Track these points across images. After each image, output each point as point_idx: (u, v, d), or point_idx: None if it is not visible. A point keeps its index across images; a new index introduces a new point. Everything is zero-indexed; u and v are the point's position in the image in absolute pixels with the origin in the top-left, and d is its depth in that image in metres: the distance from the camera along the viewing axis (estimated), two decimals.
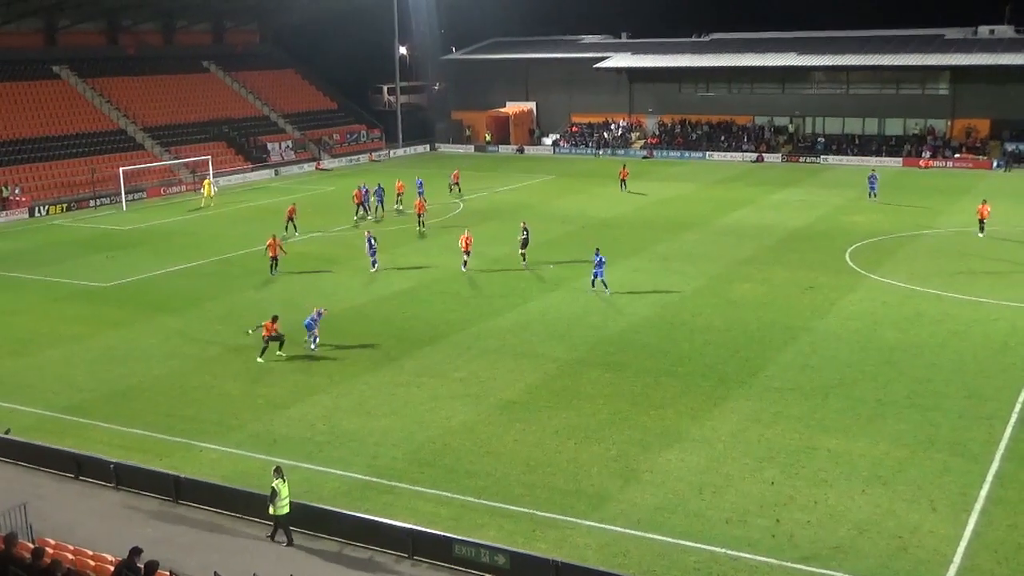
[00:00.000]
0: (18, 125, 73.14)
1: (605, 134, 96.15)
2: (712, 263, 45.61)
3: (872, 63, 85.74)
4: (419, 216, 55.34)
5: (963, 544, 20.26)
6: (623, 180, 67.65)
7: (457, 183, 67.89)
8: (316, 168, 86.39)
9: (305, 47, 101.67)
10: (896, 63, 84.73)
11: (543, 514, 22.02)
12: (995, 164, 78.03)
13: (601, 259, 40.11)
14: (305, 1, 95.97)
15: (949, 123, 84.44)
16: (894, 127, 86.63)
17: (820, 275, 42.73)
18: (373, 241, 45.41)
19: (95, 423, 28.01)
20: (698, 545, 20.48)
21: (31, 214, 64.48)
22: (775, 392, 29.06)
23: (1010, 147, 79.58)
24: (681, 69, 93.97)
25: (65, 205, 66.73)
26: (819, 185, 70.36)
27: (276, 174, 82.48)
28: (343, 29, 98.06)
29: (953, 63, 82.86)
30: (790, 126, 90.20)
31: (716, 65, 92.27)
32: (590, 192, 68.32)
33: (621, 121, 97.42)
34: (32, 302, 41.97)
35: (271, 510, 20.92)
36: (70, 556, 18.02)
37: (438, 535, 20.38)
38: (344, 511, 21.55)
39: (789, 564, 19.68)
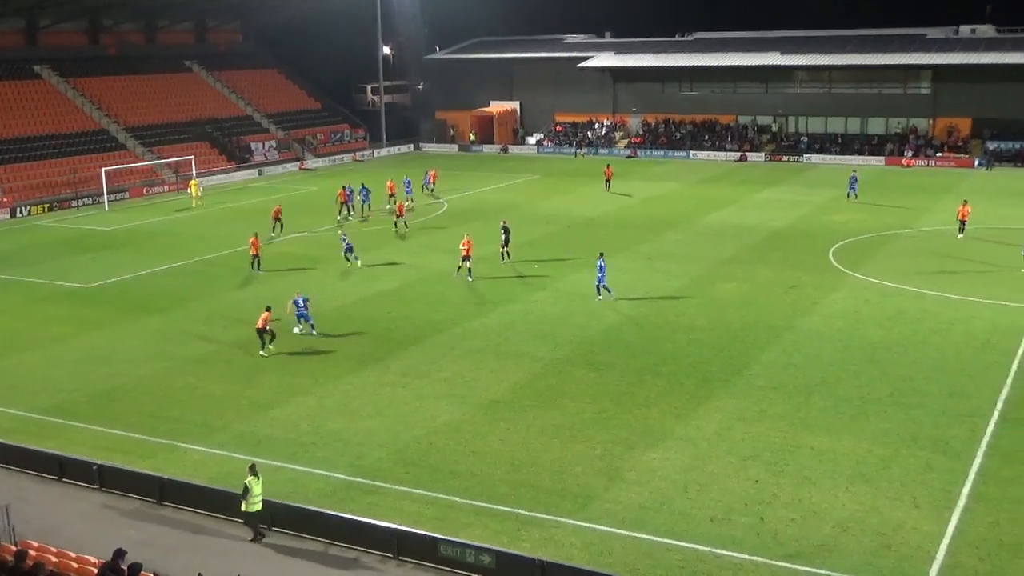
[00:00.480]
0: None
1: (589, 133, 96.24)
2: (696, 262, 45.72)
3: (854, 62, 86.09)
4: (398, 217, 55.21)
5: (946, 541, 20.39)
6: (607, 180, 67.66)
7: (432, 184, 67.54)
8: (300, 168, 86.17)
9: (288, 47, 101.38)
10: (878, 62, 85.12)
11: (528, 513, 22.04)
12: (977, 163, 78.48)
13: (602, 264, 39.10)
14: (288, 0, 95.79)
15: (931, 122, 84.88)
16: (876, 126, 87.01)
17: (803, 274, 42.89)
18: (346, 239, 46.16)
19: (78, 424, 27.88)
20: (683, 543, 20.54)
21: (12, 215, 64.07)
22: (759, 391, 29.16)
23: (991, 146, 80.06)
24: (665, 68, 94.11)
25: (47, 205, 66.34)
26: (802, 184, 70.64)
27: (260, 174, 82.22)
28: (326, 28, 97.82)
29: (935, 62, 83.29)
30: (773, 125, 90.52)
31: (699, 64, 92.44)
32: (574, 192, 68.39)
33: (605, 120, 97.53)
34: (13, 303, 41.72)
35: (243, 507, 21.00)
36: (53, 558, 17.94)
37: (423, 535, 20.38)
38: (329, 511, 21.52)
39: (773, 562, 19.75)
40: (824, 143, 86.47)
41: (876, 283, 41.14)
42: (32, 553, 17.36)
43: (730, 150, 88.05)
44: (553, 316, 37.41)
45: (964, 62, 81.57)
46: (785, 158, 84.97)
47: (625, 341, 34.21)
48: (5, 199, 65.27)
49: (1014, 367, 30.61)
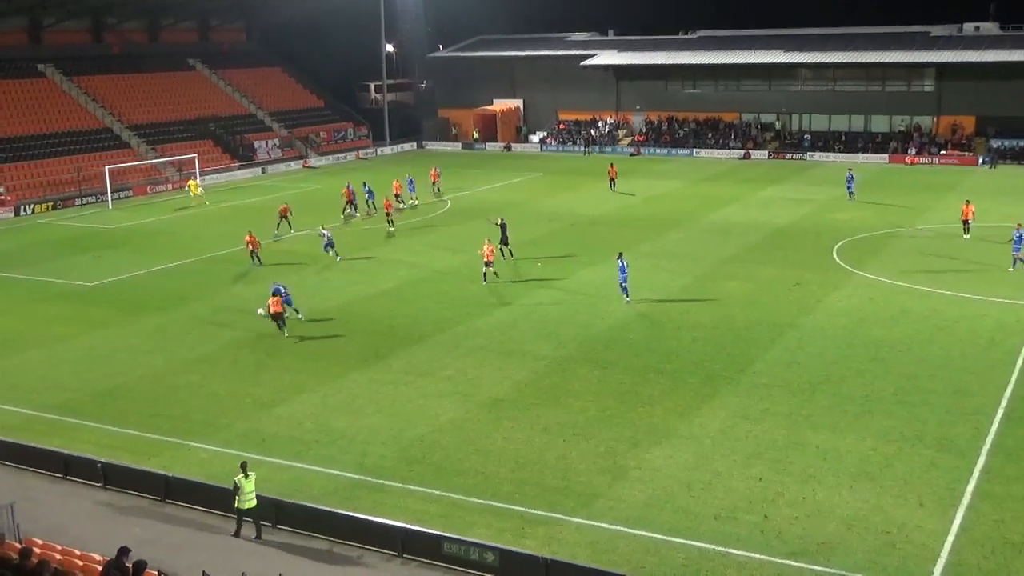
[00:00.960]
0: (3, 124, 72.76)
1: (592, 131, 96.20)
2: (699, 261, 45.69)
3: (858, 60, 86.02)
4: (387, 215, 55.12)
5: (950, 539, 20.36)
6: (612, 179, 67.44)
7: (436, 182, 67.52)
8: (303, 166, 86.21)
9: (291, 45, 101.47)
10: (882, 60, 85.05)
11: (532, 511, 22.04)
12: (981, 161, 78.35)
13: (623, 264, 38.48)
14: None
15: (935, 120, 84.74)
16: (880, 124, 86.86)
17: (807, 272, 42.85)
18: (326, 235, 46.36)
19: (82, 423, 27.92)
20: (687, 541, 20.54)
21: (16, 213, 64.16)
22: (762, 389, 29.14)
23: (995, 144, 79.92)
24: (668, 66, 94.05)
25: (51, 204, 66.42)
26: (806, 182, 70.55)
27: (263, 172, 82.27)
28: (330, 27, 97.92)
29: (939, 60, 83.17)
30: (777, 123, 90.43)
31: (703, 62, 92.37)
32: (578, 190, 68.35)
33: (608, 118, 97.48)
34: (17, 302, 41.78)
35: (236, 504, 21.10)
36: (58, 556, 17.96)
37: (427, 533, 20.40)
38: (333, 509, 21.54)
39: (777, 560, 19.75)
40: (828, 141, 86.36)
41: (880, 281, 41.09)
42: (37, 551, 17.37)
43: (733, 148, 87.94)
44: (556, 314, 37.40)
45: (968, 60, 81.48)
46: (788, 156, 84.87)
47: (629, 339, 34.19)
48: (9, 198, 65.36)
49: (1019, 365, 30.55)
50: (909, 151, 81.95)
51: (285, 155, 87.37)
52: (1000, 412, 26.95)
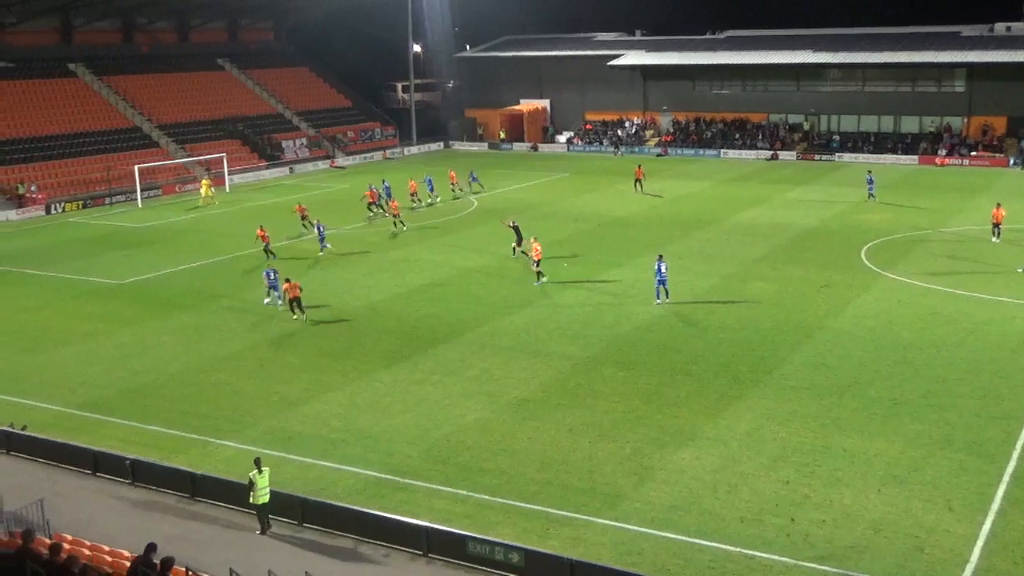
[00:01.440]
0: (35, 123, 73.53)
1: (619, 132, 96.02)
2: (726, 262, 45.51)
3: (888, 60, 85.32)
4: (394, 216, 55.26)
5: (979, 544, 20.17)
6: (638, 180, 67.14)
7: (455, 183, 67.77)
8: (331, 166, 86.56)
9: (319, 45, 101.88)
10: (912, 60, 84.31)
11: (557, 512, 22.03)
12: (1012, 162, 77.53)
13: (661, 266, 38.14)
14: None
15: (965, 121, 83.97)
16: (910, 125, 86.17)
17: (835, 274, 42.58)
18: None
19: (111, 420, 28.17)
20: (712, 544, 20.46)
21: (47, 211, 64.85)
22: (790, 391, 28.98)
23: None
24: (695, 67, 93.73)
25: (81, 202, 67.07)
26: (834, 183, 70.05)
27: (291, 172, 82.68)
28: (357, 27, 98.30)
29: (969, 60, 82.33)
30: (805, 124, 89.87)
31: (731, 63, 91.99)
32: (604, 190, 68.22)
33: (635, 119, 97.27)
34: (48, 299, 42.20)
35: (251, 499, 21.28)
36: (87, 552, 18.11)
37: (452, 533, 20.42)
38: (359, 508, 21.61)
39: (804, 563, 19.63)
40: (857, 142, 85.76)
41: (909, 283, 40.77)
42: (66, 546, 17.53)
43: (761, 149, 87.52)
44: (583, 315, 37.36)
45: (999, 60, 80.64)
46: (817, 157, 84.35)
47: (655, 340, 34.10)
48: (40, 196, 66.03)
49: None
50: (939, 152, 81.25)
51: (312, 155, 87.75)
52: None
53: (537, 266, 41.85)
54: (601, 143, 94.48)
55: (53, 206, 65.41)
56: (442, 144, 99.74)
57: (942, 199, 61.81)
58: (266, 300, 39.57)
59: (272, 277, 39.21)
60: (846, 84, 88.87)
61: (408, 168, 77.06)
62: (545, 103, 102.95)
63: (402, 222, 55.11)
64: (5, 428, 26.06)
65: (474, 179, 68.78)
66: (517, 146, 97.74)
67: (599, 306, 38.63)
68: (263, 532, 21.33)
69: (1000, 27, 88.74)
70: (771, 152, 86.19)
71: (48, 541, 17.98)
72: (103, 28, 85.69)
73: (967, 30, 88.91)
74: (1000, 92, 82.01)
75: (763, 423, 26.64)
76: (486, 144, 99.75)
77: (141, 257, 49.95)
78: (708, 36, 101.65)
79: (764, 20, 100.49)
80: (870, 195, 60.85)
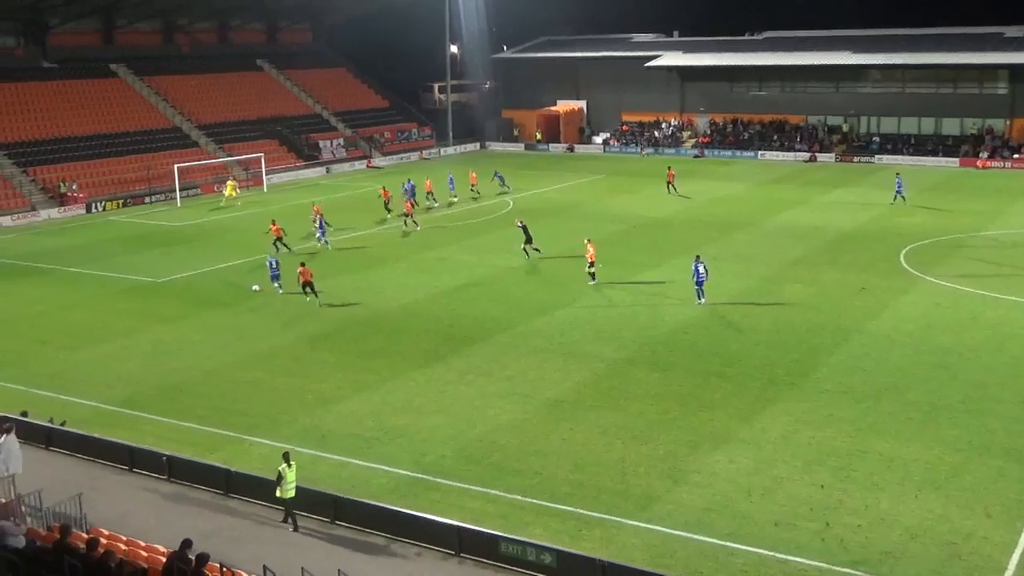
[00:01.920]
0: (77, 122, 74.49)
1: (656, 133, 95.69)
2: (762, 264, 45.21)
3: (929, 61, 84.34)
4: (406, 216, 55.49)
5: (1018, 552, 19.88)
6: (669, 182, 66.76)
7: (475, 185, 67.69)
8: (367, 166, 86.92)
9: (357, 46, 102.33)
10: (954, 61, 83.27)
11: (590, 513, 21.98)
12: None
13: (698, 267, 38.02)
14: (358, 1, 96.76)
15: (1008, 123, 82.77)
16: (951, 127, 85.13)
17: (873, 277, 42.16)
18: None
19: (148, 416, 28.47)
20: (746, 547, 20.32)
21: (88, 210, 65.68)
22: (826, 394, 28.73)
23: None
24: (733, 68, 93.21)
25: (121, 201, 67.83)
26: (873, 186, 69.27)
27: (327, 172, 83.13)
28: (395, 28, 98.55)
29: (1012, 61, 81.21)
30: (844, 125, 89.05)
31: (769, 64, 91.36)
32: (640, 192, 67.97)
33: (672, 120, 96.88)
34: (88, 297, 42.72)
35: (278, 493, 21.44)
36: (123, 547, 18.30)
37: (485, 533, 20.41)
38: (392, 507, 21.67)
39: (839, 568, 19.44)
40: (897, 144, 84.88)
41: (949, 287, 40.28)
42: (103, 541, 17.72)
43: (799, 151, 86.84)
44: (617, 316, 37.26)
45: None
46: (856, 159, 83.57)
47: (690, 342, 33.94)
48: (81, 195, 66.87)
49: None
50: (981, 154, 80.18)
51: (349, 155, 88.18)
52: None
53: (591, 267, 41.73)
54: (637, 144, 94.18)
55: (94, 205, 66.22)
56: (478, 145, 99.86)
57: (983, 202, 61.03)
58: (254, 287, 42.15)
59: (274, 267, 41.54)
60: (886, 85, 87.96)
61: (442, 168, 77.09)
62: (582, 104, 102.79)
63: (415, 222, 55.41)
64: (45, 423, 26.40)
65: (500, 179, 68.84)
66: (553, 147, 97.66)
67: (634, 307, 38.51)
68: (293, 528, 21.47)
69: None
70: (809, 154, 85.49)
71: (85, 536, 18.19)
72: (144, 29, 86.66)
73: (1010, 31, 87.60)
74: None
75: (798, 426, 26.43)
76: (522, 145, 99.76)
77: (179, 255, 50.42)
78: (746, 37, 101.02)
79: (803, 21, 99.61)
80: (897, 196, 60.00)
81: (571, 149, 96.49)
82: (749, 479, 23.42)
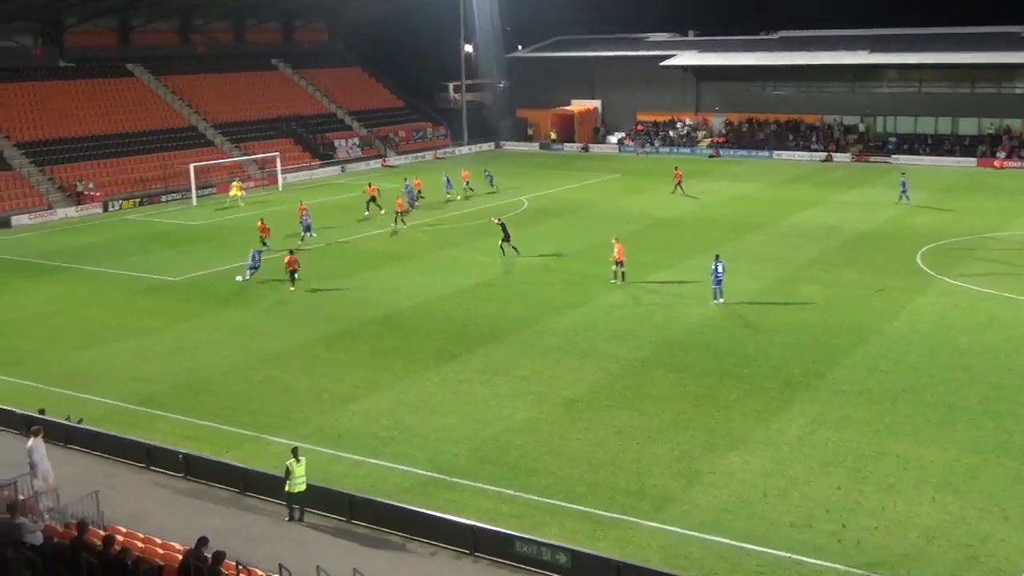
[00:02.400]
0: (93, 122, 74.82)
1: (671, 132, 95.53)
2: (778, 264, 45.08)
3: (946, 61, 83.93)
4: (397, 214, 55.99)
5: None
6: (677, 183, 66.56)
7: (468, 182, 68.01)
8: (382, 165, 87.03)
9: (372, 45, 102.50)
10: (971, 61, 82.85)
11: (605, 514, 21.96)
12: None
13: (717, 267, 37.95)
14: (373, 0, 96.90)
15: None
16: (968, 126, 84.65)
17: (889, 277, 41.99)
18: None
19: (165, 414, 28.59)
20: (762, 548, 20.26)
21: (105, 209, 65.98)
22: (842, 395, 28.63)
23: None
24: (749, 67, 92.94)
25: (138, 200, 68.12)
26: (889, 186, 68.72)
27: (343, 171, 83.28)
28: (410, 27, 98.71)
29: None
30: (860, 125, 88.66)
31: (784, 63, 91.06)
32: (655, 191, 67.81)
33: (687, 120, 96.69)
34: (106, 295, 42.91)
35: (287, 488, 21.60)
36: (140, 544, 18.38)
37: (500, 532, 20.41)
38: (406, 506, 21.69)
39: (855, 570, 19.36)
40: (913, 144, 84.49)
41: (966, 288, 40.07)
42: (120, 539, 17.81)
43: (815, 150, 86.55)
44: (633, 316, 37.21)
45: None
46: (872, 159, 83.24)
47: (706, 342, 33.86)
48: (98, 194, 67.18)
49: None
50: (998, 155, 79.76)
51: (365, 154, 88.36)
52: None
53: (621, 266, 41.71)
54: (652, 144, 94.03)
55: (110, 203, 66.49)
56: (493, 144, 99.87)
57: (1001, 202, 60.72)
58: (239, 277, 43.97)
59: (255, 259, 43.92)
60: (903, 85, 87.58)
61: (458, 167, 77.09)
62: (596, 103, 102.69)
63: (403, 221, 55.81)
64: (63, 421, 26.53)
65: (489, 179, 69.56)
66: (568, 146, 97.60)
67: (649, 307, 38.46)
68: (300, 520, 21.70)
69: None
70: (825, 154, 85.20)
71: (102, 533, 18.27)
72: (160, 29, 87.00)
73: None
74: None
75: (815, 427, 26.34)
76: (537, 144, 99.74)
77: (195, 254, 50.60)
78: (762, 36, 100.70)
79: (819, 20, 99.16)
80: (902, 196, 59.75)
81: (586, 149, 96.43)
82: (765, 480, 23.35)
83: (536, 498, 22.80)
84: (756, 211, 59.52)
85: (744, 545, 20.44)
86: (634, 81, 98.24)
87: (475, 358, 32.75)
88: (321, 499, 21.98)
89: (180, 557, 17.42)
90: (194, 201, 68.15)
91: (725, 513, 21.84)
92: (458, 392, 29.73)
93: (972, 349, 32.32)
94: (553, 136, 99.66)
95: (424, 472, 24.33)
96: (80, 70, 78.81)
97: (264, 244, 49.01)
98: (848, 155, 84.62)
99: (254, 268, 43.83)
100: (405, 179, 64.37)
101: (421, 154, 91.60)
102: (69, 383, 31.34)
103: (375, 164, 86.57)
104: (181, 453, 24.48)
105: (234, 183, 68.85)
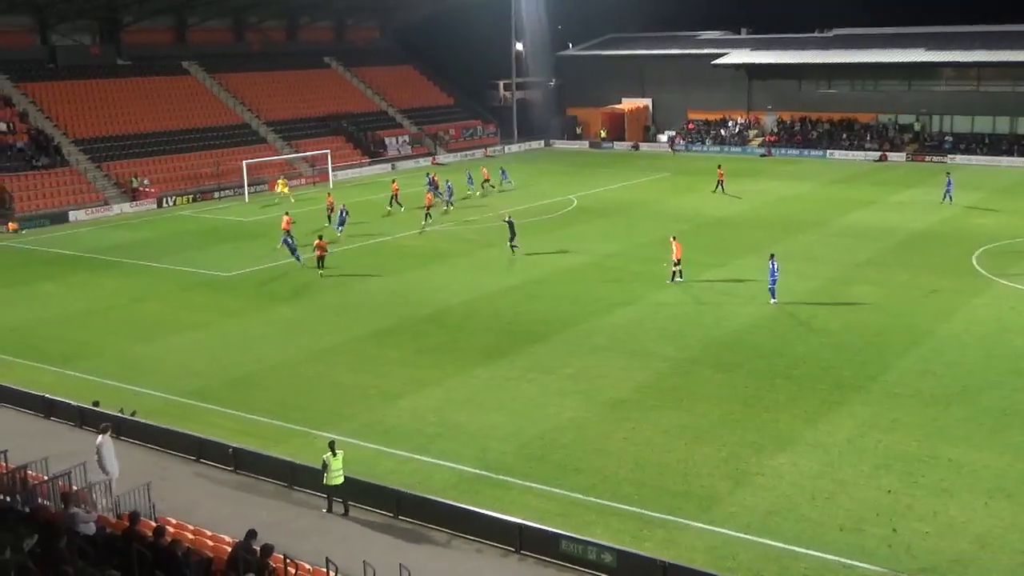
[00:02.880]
0: (149, 119, 75.87)
1: (722, 131, 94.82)
2: (830, 264, 44.56)
3: (1004, 59, 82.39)
4: (426, 209, 56.66)
5: None
6: (719, 182, 66.03)
7: (488, 179, 68.67)
8: (432, 163, 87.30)
9: (424, 44, 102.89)
10: None
11: (651, 514, 21.86)
12: None
13: (772, 266, 37.70)
14: None
15: None
16: None
17: (944, 278, 41.33)
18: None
19: (216, 408, 28.93)
20: (810, 551, 20.05)
21: (159, 205, 66.91)
22: (894, 398, 28.23)
23: None
24: (802, 65, 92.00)
25: (191, 196, 69.00)
26: (945, 185, 67.85)
27: (392, 168, 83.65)
28: (461, 26, 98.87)
29: None
30: (916, 124, 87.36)
31: (839, 61, 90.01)
32: (705, 190, 67.28)
33: (739, 118, 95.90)
34: (160, 290, 43.54)
35: (324, 480, 21.86)
36: (190, 535, 18.61)
37: (545, 530, 20.40)
38: (453, 503, 21.76)
39: (905, 575, 19.08)
40: (970, 143, 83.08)
41: (1023, 290, 39.31)
42: (170, 530, 18.04)
43: (869, 150, 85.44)
44: (681, 316, 36.99)
45: None
46: (928, 158, 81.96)
47: (755, 343, 33.57)
48: (153, 190, 68.14)
49: None
50: None
51: (414, 152, 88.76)
52: None
53: (677, 264, 41.52)
54: (703, 142, 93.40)
55: (165, 199, 67.44)
56: (542, 143, 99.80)
57: None
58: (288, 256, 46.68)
59: (289, 243, 46.67)
60: (960, 84, 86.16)
61: (508, 165, 77.12)
62: (647, 102, 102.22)
63: (430, 215, 56.40)
64: (116, 414, 26.94)
65: (503, 175, 70.64)
66: (618, 145, 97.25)
67: (699, 307, 38.21)
68: (343, 513, 21.91)
69: None
70: (880, 153, 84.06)
71: (153, 524, 18.52)
72: (215, 27, 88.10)
73: None
74: None
75: (865, 430, 26.00)
76: (586, 143, 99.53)
77: (247, 250, 51.13)
78: (816, 34, 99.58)
79: (874, 17, 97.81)
80: (946, 195, 58.82)
81: (636, 147, 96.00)
82: (814, 482, 23.10)
83: (582, 497, 22.76)
84: (808, 211, 58.89)
85: (792, 548, 20.23)
86: (685, 80, 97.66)
87: (522, 356, 32.75)
88: (368, 495, 22.11)
89: (229, 549, 17.61)
90: (246, 198, 68.87)
91: (773, 515, 21.64)
92: (505, 390, 29.76)
93: None
94: (603, 135, 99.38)
95: (470, 469, 24.38)
96: (136, 68, 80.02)
97: (288, 238, 48.95)
98: (903, 154, 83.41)
99: (293, 250, 46.38)
100: (428, 174, 64.77)
101: (471, 152, 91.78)
102: (123, 376, 31.85)
103: (425, 162, 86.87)
104: (231, 447, 24.75)
105: (280, 180, 69.47)
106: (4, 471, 20.65)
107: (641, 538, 20.80)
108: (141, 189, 67.81)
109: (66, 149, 69.67)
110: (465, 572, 19.94)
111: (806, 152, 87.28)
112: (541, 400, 28.82)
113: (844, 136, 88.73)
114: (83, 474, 21.43)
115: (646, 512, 21.93)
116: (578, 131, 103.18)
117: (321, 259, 44.55)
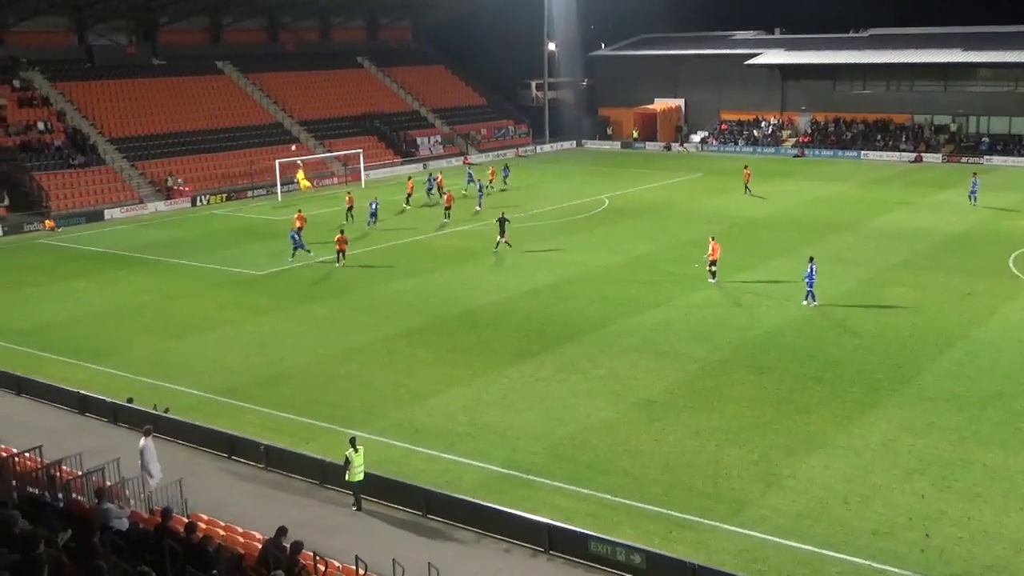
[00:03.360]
0: (184, 118, 76.51)
1: (755, 132, 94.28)
2: (863, 266, 44.18)
3: None
4: (446, 208, 57.28)
5: None
6: (746, 183, 65.63)
7: (492, 180, 69.01)
8: (464, 163, 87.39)
9: (456, 44, 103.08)
10: None
11: (681, 515, 21.76)
12: None
13: (810, 268, 37.48)
14: None
15: None
16: None
17: (979, 281, 40.86)
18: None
19: (247, 405, 29.10)
20: (841, 555, 19.88)
21: (193, 203, 67.46)
22: (928, 401, 27.94)
23: None
24: (836, 66, 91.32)
25: (224, 195, 69.52)
26: (982, 187, 66.85)
27: (424, 168, 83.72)
28: (494, 26, 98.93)
29: None
30: (952, 125, 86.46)
31: (874, 62, 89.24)
32: (737, 191, 66.94)
33: (772, 119, 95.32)
34: (194, 288, 43.88)
35: (347, 477, 22.02)
36: (221, 532, 18.73)
37: (574, 531, 20.37)
38: (482, 502, 21.76)
39: None
40: (1007, 144, 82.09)
41: None
42: (202, 526, 18.16)
43: (904, 151, 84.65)
44: (713, 317, 36.81)
45: None
46: (964, 160, 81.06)
47: (787, 345, 33.33)
48: (187, 188, 68.72)
49: None
50: None
51: (446, 151, 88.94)
52: None
53: (712, 265, 41.41)
54: (736, 143, 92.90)
55: (199, 198, 67.99)
56: (574, 143, 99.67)
57: None
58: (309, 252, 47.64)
59: (297, 239, 47.77)
60: (997, 84, 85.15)
61: (541, 165, 77.20)
62: (679, 102, 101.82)
63: (449, 215, 57.15)
64: (149, 410, 27.18)
65: (506, 174, 71.99)
66: (650, 145, 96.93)
67: (730, 308, 38.00)
68: (359, 509, 22.09)
69: None
70: (915, 154, 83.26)
71: (185, 520, 18.64)
72: (249, 27, 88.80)
73: None
74: None
75: (899, 434, 25.75)
76: (618, 143, 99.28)
77: (279, 249, 51.31)
78: (850, 34, 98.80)
79: (910, 17, 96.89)
80: (971, 196, 58.18)
81: (668, 148, 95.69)
82: (846, 486, 22.90)
83: (611, 498, 22.69)
84: (842, 212, 58.41)
85: (824, 551, 20.07)
86: (718, 80, 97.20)
87: (553, 356, 32.71)
88: (398, 493, 22.17)
89: (259, 546, 17.71)
90: (279, 197, 69.27)
91: (804, 518, 21.48)
92: (535, 390, 29.73)
93: None
94: (635, 135, 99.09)
95: (500, 469, 24.38)
96: (172, 68, 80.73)
97: (299, 237, 49.22)
98: (939, 156, 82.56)
99: (298, 246, 47.64)
100: (430, 174, 65.25)
101: (502, 152, 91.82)
102: (156, 373, 32.12)
103: (456, 162, 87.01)
104: (262, 444, 24.90)
105: (299, 172, 69.83)
106: (39, 466, 20.90)
107: (670, 540, 20.71)
108: (175, 188, 68.38)
109: (102, 148, 70.42)
110: (494, 572, 19.96)
111: (840, 153, 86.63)
112: (571, 400, 28.77)
113: (879, 137, 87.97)
114: (116, 470, 21.63)
115: (676, 514, 21.84)
116: (609, 132, 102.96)
117: (341, 252, 46.14)
